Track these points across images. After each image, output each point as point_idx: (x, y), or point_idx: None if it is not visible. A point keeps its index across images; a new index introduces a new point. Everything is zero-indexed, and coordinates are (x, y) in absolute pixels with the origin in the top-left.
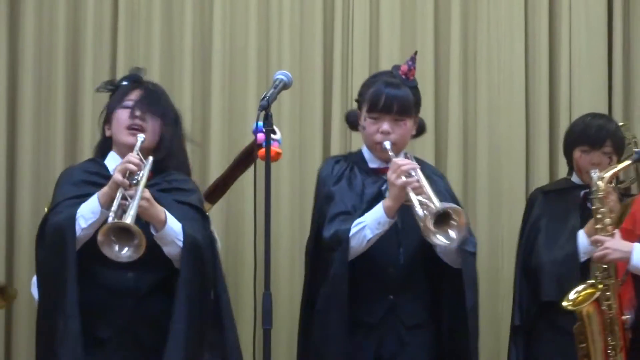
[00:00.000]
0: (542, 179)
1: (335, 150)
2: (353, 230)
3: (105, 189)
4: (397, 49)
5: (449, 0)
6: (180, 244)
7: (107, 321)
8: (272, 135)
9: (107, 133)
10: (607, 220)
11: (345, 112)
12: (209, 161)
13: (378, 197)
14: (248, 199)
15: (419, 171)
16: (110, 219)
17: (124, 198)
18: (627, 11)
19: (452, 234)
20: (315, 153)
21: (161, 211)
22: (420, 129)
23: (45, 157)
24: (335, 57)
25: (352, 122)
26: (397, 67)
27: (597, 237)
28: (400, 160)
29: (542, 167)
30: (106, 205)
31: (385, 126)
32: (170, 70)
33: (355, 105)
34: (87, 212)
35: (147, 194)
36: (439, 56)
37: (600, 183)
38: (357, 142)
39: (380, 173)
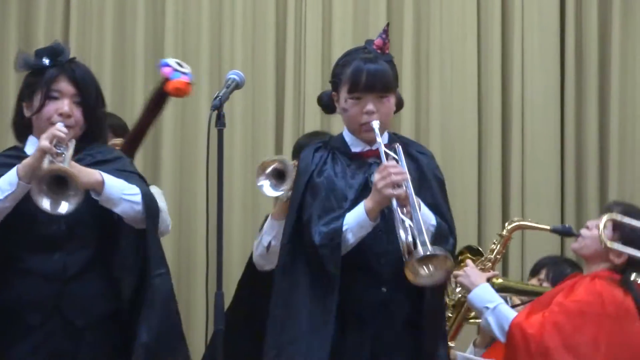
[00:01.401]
0: (494, 179)
1: (288, 149)
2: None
3: (27, 160)
4: (349, 48)
5: (401, 0)
6: (131, 198)
7: (35, 307)
8: (180, 68)
9: (26, 113)
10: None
11: (297, 112)
12: (161, 163)
13: (366, 186)
14: (200, 198)
15: (409, 184)
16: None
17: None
18: (580, 10)
19: (431, 270)
20: (267, 152)
21: (94, 172)
22: (400, 104)
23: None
24: (288, 56)
25: (326, 104)
26: (370, 42)
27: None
28: (391, 165)
29: (495, 167)
30: (26, 177)
31: (370, 106)
32: (122, 71)
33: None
34: (4, 184)
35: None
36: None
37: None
38: None
39: (364, 157)
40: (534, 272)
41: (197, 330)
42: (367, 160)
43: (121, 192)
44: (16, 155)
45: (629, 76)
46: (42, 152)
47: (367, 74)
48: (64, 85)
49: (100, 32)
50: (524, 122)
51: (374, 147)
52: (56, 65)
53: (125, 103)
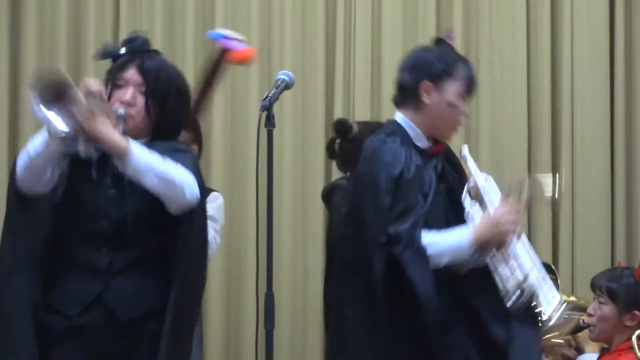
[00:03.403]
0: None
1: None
2: (430, 251)
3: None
4: (399, 48)
5: (450, 0)
6: (161, 174)
7: (77, 299)
8: (234, 35)
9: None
10: None
11: (347, 110)
12: (211, 163)
13: (438, 187)
14: (250, 199)
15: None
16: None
17: None
18: (629, 8)
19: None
20: (317, 153)
21: (121, 138)
22: None
23: None
24: (338, 56)
25: (409, 88)
26: (447, 42)
27: None
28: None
29: (544, 165)
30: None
31: (467, 108)
32: None
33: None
34: (38, 140)
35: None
36: None
37: None
38: None
39: (426, 154)
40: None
41: (248, 331)
42: (432, 159)
43: (149, 165)
44: None
45: None
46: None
47: (476, 78)
48: (131, 74)
49: (149, 33)
50: (573, 120)
51: (463, 156)
52: (128, 53)
53: None
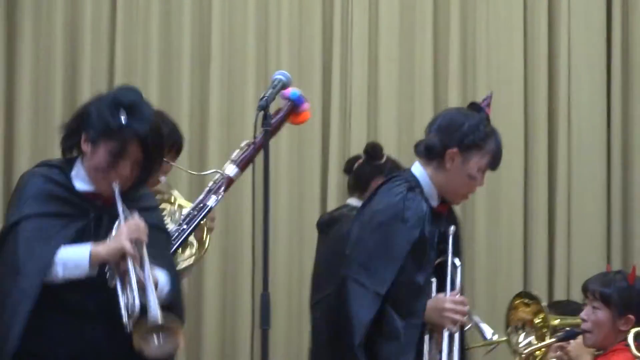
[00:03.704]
0: (540, 178)
1: (334, 150)
2: None
3: (102, 251)
4: (396, 50)
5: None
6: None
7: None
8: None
9: (84, 145)
10: None
11: (343, 111)
12: (207, 162)
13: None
14: (246, 199)
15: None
16: (122, 296)
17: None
18: (626, 11)
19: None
20: (313, 153)
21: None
22: None
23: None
24: (334, 56)
25: (434, 152)
26: (481, 108)
27: None
28: (464, 303)
29: (541, 167)
30: (95, 266)
31: (482, 181)
32: (168, 71)
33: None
34: (71, 264)
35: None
36: (438, 56)
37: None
38: (355, 142)
39: (436, 211)
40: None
41: (244, 331)
42: (438, 214)
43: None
44: (65, 185)
45: None
46: (122, 253)
47: (501, 155)
48: (133, 149)
49: (146, 35)
50: (570, 121)
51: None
52: (133, 126)
53: (172, 105)
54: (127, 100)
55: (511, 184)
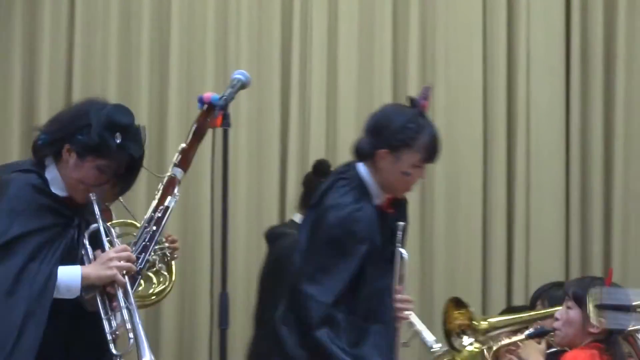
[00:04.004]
0: (499, 178)
1: (293, 150)
2: None
3: (92, 275)
4: (355, 49)
5: (407, 0)
6: None
7: None
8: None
9: (66, 155)
10: None
11: (302, 111)
12: (166, 162)
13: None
14: (204, 198)
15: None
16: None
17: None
18: (585, 12)
19: None
20: (272, 152)
21: None
22: None
23: (2, 161)
24: (294, 56)
25: (364, 154)
26: (419, 104)
27: None
28: (408, 301)
29: (500, 166)
30: (84, 289)
31: (425, 172)
32: (127, 69)
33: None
34: (63, 286)
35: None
36: (397, 57)
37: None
38: (315, 141)
39: (380, 209)
40: (531, 305)
41: (202, 331)
42: (383, 212)
43: None
44: (46, 192)
45: (634, 77)
46: (112, 281)
47: (438, 147)
48: (117, 166)
49: (105, 33)
50: (529, 122)
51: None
52: (127, 149)
53: (130, 103)
54: (123, 121)
55: (470, 185)
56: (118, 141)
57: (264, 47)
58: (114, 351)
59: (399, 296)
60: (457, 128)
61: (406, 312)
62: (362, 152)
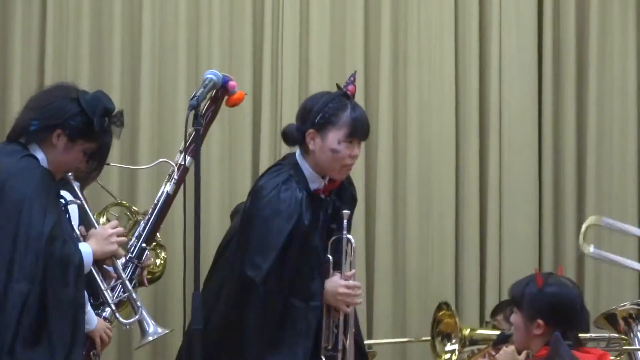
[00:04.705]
0: (471, 178)
1: (265, 149)
2: None
3: (98, 250)
4: (326, 48)
5: None
6: None
7: None
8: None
9: (54, 140)
10: None
11: (274, 110)
12: (138, 161)
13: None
14: (177, 198)
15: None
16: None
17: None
18: (557, 10)
19: None
20: (244, 152)
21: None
22: None
23: None
24: (265, 56)
25: (293, 138)
26: (345, 89)
27: None
28: (357, 287)
29: (472, 166)
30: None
31: (357, 150)
32: (99, 69)
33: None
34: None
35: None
36: (369, 55)
37: None
38: None
39: (317, 193)
40: (493, 314)
41: (175, 332)
42: (322, 198)
43: None
44: (51, 174)
45: (606, 76)
46: (112, 255)
47: (362, 123)
48: (100, 149)
49: (77, 31)
50: (501, 121)
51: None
52: (113, 132)
53: None
54: (110, 107)
55: (443, 184)
56: (107, 126)
57: (236, 46)
58: (122, 320)
59: (350, 282)
60: (429, 127)
61: (358, 300)
62: (291, 137)
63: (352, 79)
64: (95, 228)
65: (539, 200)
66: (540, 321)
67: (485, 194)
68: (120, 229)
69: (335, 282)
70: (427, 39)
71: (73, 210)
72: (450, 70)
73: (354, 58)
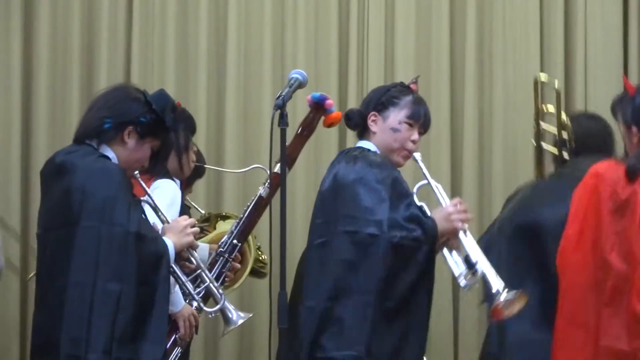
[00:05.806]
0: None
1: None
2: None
3: (177, 243)
4: (412, 48)
5: None
6: None
7: None
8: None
9: (125, 137)
10: None
11: None
12: (225, 161)
13: None
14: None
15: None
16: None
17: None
18: None
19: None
20: (330, 151)
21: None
22: None
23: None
24: (351, 55)
25: (356, 122)
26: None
27: None
28: (461, 203)
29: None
30: None
31: (417, 136)
32: (185, 70)
33: None
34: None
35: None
36: (455, 54)
37: None
38: None
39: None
40: None
41: (261, 330)
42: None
43: None
44: (124, 173)
45: None
46: (188, 247)
47: (426, 111)
48: (165, 145)
49: (162, 34)
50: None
51: (416, 160)
52: (176, 130)
53: (189, 104)
54: (174, 104)
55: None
56: (173, 123)
57: (322, 46)
58: (206, 309)
59: (453, 201)
60: (515, 126)
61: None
62: (353, 119)
63: (414, 80)
64: (168, 223)
65: None
66: (634, 129)
67: None
68: (192, 220)
69: (441, 209)
70: (513, 38)
71: (145, 208)
72: (536, 69)
73: (439, 57)
